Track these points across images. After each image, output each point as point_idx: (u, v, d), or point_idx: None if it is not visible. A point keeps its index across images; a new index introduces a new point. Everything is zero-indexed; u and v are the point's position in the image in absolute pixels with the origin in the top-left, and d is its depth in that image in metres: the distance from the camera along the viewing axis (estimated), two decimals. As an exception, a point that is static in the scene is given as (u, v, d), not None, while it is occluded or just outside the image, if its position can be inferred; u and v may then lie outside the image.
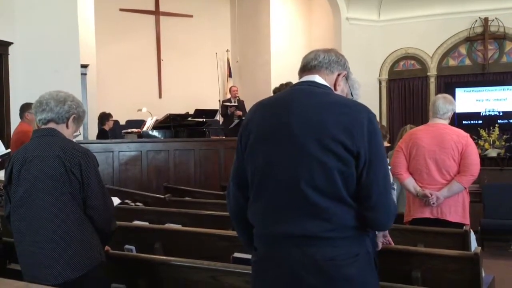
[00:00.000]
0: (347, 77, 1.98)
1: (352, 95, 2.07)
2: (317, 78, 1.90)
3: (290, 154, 1.75)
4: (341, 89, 1.96)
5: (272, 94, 4.00)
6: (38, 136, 2.44)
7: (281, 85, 3.97)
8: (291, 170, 1.75)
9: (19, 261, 2.43)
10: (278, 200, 1.78)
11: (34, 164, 2.35)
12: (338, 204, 1.72)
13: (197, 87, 12.01)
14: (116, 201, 4.08)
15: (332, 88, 1.92)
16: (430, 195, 3.62)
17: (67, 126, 2.48)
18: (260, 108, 1.93)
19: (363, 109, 1.78)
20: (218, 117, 10.32)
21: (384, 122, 10.60)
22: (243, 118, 9.60)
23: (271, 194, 1.79)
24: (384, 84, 10.96)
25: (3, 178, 2.54)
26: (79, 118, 2.53)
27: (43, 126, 2.46)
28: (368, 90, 10.15)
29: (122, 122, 10.77)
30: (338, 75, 1.94)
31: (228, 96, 10.69)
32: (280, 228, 1.77)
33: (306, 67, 1.95)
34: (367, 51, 10.35)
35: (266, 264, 1.82)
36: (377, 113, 10.55)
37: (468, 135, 3.75)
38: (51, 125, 2.45)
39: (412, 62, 10.80)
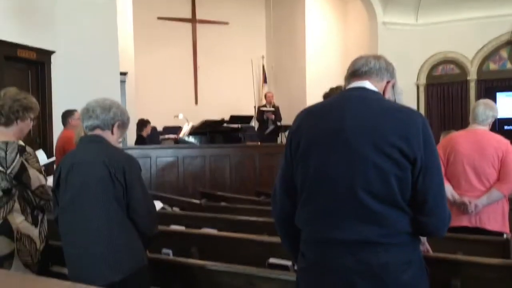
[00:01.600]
0: (393, 86, 1.99)
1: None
2: (368, 84, 1.90)
3: (345, 159, 1.75)
4: (388, 97, 1.96)
5: (320, 99, 3.96)
6: (85, 142, 2.54)
7: (332, 89, 3.94)
8: (346, 175, 1.75)
9: (66, 263, 2.50)
10: (331, 205, 1.78)
11: (80, 169, 2.43)
12: (393, 209, 1.72)
13: (233, 93, 12.12)
14: (158, 205, 4.15)
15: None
16: (468, 203, 3.53)
17: (112, 133, 2.56)
18: (310, 114, 1.93)
19: (418, 115, 1.79)
20: (254, 123, 10.37)
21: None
22: (278, 123, 9.65)
23: (324, 199, 1.79)
24: (422, 89, 10.78)
25: (51, 184, 2.64)
26: (124, 124, 2.61)
27: (90, 133, 2.55)
28: (405, 95, 9.94)
29: (160, 128, 10.95)
30: (387, 82, 1.95)
31: (263, 102, 10.73)
32: (332, 233, 1.76)
33: (356, 73, 1.94)
34: (405, 56, 10.21)
35: (316, 270, 1.81)
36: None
37: (509, 142, 3.64)
38: (97, 131, 2.53)
39: (451, 66, 10.59)
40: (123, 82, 9.19)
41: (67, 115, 5.65)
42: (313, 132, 1.85)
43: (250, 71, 12.15)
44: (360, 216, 1.73)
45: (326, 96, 3.86)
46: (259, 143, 8.97)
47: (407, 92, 10.34)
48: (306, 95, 10.81)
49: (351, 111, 1.80)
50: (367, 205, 1.71)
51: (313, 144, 1.83)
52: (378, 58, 1.97)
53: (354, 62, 1.97)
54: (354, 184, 1.73)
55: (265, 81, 12.37)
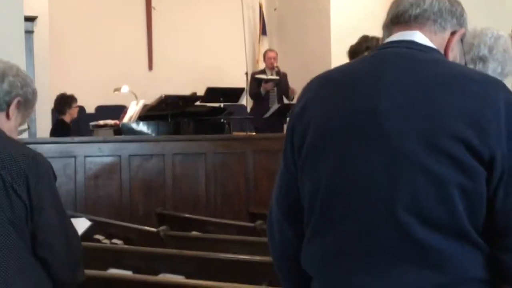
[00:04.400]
0: (462, 39, 1.99)
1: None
2: (419, 37, 1.90)
3: (379, 162, 1.75)
4: (454, 57, 1.96)
5: (347, 60, 3.91)
6: None
7: (364, 38, 3.89)
8: (381, 187, 1.74)
9: None
10: (356, 235, 1.78)
11: None
12: (457, 242, 1.71)
13: (210, 51, 12.16)
14: (83, 224, 4.16)
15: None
16: None
17: (7, 116, 2.58)
18: (324, 85, 1.95)
19: (499, 87, 1.77)
20: (245, 100, 10.36)
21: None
22: (285, 101, 9.62)
23: (345, 227, 1.80)
24: (521, 45, 10.82)
25: None
26: (27, 102, 2.65)
27: None
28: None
29: (91, 109, 10.95)
30: (452, 33, 1.95)
31: (262, 66, 10.77)
32: (358, 280, 1.77)
33: (401, 18, 1.94)
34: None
35: None
36: None
37: None
38: None
39: None
40: (29, 32, 9.16)
41: None
42: (327, 117, 1.85)
43: (239, 16, 12.14)
44: (404, 254, 1.73)
45: (352, 51, 3.83)
46: (254, 133, 8.96)
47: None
48: (331, 55, 10.79)
49: (389, 82, 1.80)
50: (416, 236, 1.70)
51: (327, 136, 1.84)
52: None
53: (398, 1, 1.97)
54: (394, 202, 1.72)
55: (263, 32, 12.41)
